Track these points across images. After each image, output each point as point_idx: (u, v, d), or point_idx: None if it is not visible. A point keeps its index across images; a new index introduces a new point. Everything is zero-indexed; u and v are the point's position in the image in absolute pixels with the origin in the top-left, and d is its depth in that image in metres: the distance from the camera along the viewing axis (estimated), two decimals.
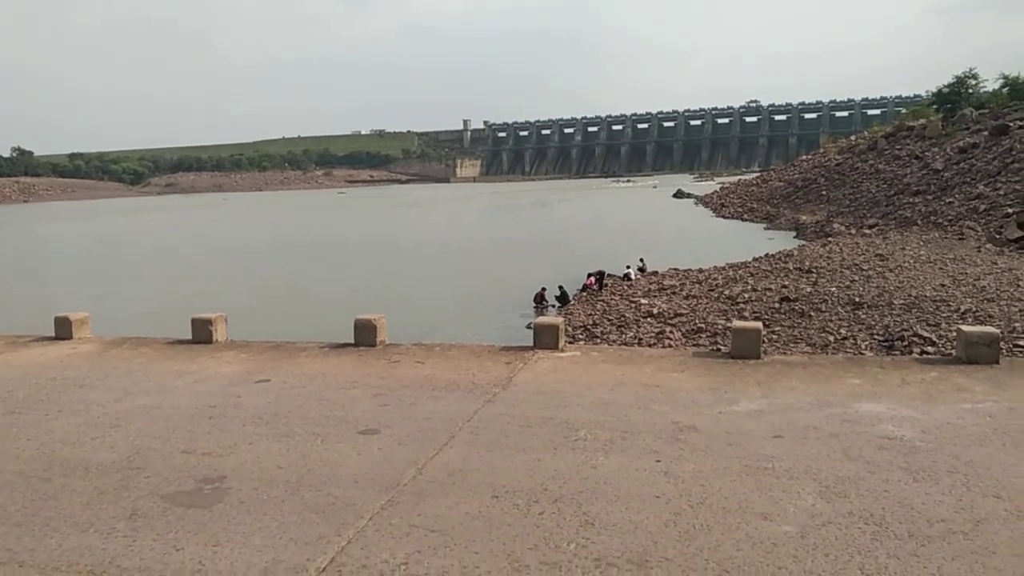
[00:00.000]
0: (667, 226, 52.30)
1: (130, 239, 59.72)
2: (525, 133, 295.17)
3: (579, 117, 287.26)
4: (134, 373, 8.13)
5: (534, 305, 24.28)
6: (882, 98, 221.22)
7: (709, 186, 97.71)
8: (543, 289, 24.84)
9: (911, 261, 23.90)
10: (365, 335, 8.99)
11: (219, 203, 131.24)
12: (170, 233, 64.58)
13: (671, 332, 18.39)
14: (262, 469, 5.30)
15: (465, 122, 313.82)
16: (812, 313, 18.27)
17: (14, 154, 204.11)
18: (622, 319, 20.49)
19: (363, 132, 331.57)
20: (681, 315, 20.10)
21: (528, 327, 21.39)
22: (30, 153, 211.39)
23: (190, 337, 9.56)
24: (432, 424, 6.14)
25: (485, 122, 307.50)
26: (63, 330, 10.01)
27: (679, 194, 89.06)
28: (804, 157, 72.78)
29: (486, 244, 46.75)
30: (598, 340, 18.34)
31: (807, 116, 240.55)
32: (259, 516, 4.56)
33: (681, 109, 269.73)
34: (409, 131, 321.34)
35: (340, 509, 4.62)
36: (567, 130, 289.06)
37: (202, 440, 5.96)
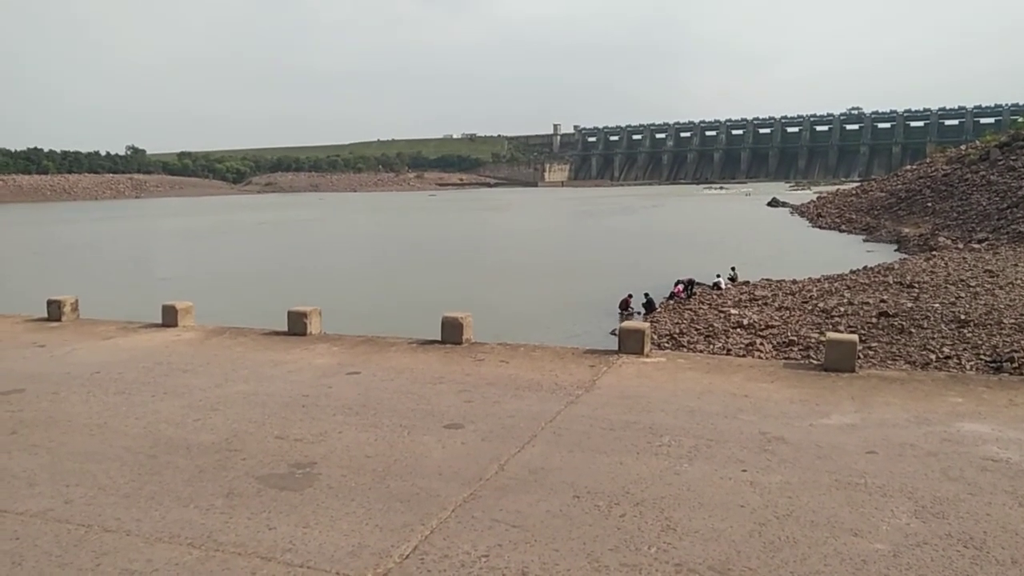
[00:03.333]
0: (760, 235, 50.98)
1: (232, 235, 62.42)
2: (615, 138, 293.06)
3: (671, 122, 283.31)
4: (233, 361, 8.51)
5: (619, 311, 24.09)
6: (996, 106, 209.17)
7: (806, 195, 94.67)
8: (629, 295, 24.62)
9: None
10: (452, 332, 9.14)
11: (315, 202, 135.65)
12: (270, 230, 67.18)
13: (761, 344, 17.94)
14: (351, 457, 5.47)
15: (555, 126, 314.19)
16: (912, 329, 17.47)
17: (128, 152, 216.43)
18: (710, 329, 20.11)
19: (454, 136, 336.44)
20: (772, 327, 19.58)
21: (613, 333, 21.27)
22: (143, 151, 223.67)
23: (286, 329, 9.93)
24: (515, 422, 6.19)
25: (575, 126, 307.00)
26: (169, 318, 10.58)
27: (774, 203, 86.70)
28: (908, 167, 69.54)
29: (572, 248, 46.71)
30: (684, 349, 18.05)
31: (913, 124, 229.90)
32: (347, 502, 4.71)
33: (778, 116, 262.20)
34: (499, 135, 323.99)
35: (424, 500, 4.73)
36: (659, 135, 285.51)
37: (295, 427, 6.19)
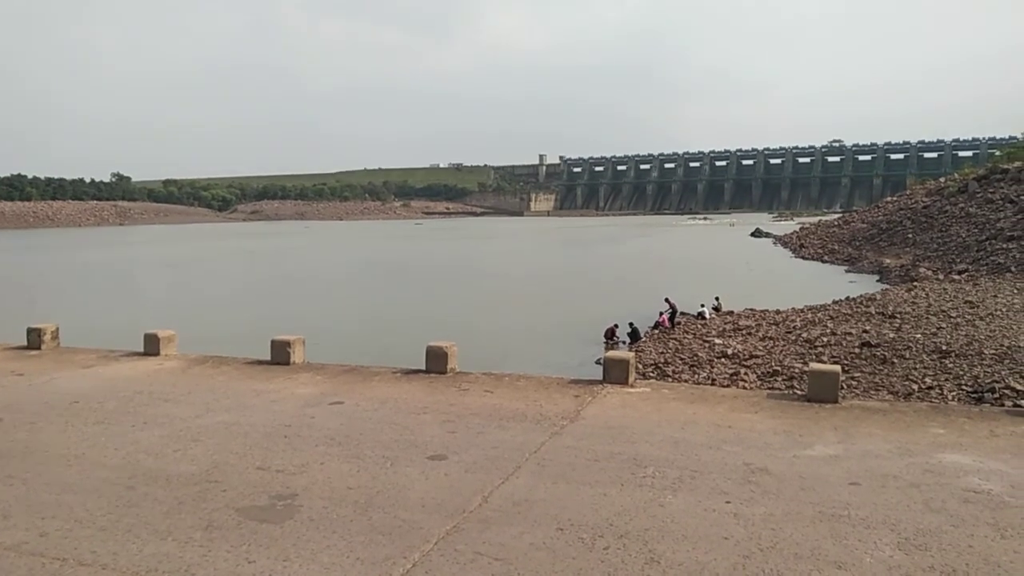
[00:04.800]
0: (744, 265, 51.34)
1: (216, 263, 62.12)
2: (600, 168, 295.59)
3: (655, 153, 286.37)
4: (215, 390, 8.43)
5: (604, 341, 24.10)
6: (974, 139, 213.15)
7: (788, 226, 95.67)
8: (614, 325, 24.67)
9: (1004, 309, 22.80)
10: (436, 362, 9.11)
11: (301, 231, 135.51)
12: (254, 258, 66.93)
13: (746, 374, 17.98)
14: (333, 488, 5.42)
15: (541, 156, 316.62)
16: (895, 360, 17.58)
17: (113, 179, 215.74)
18: (695, 358, 20.16)
19: (441, 165, 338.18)
20: (756, 357, 19.64)
21: (597, 362, 21.26)
22: (128, 179, 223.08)
23: (269, 358, 9.87)
24: (499, 453, 6.16)
25: (561, 157, 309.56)
26: (151, 346, 10.48)
27: (757, 233, 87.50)
28: (889, 199, 70.54)
29: (557, 277, 46.79)
30: (670, 379, 18.06)
31: (893, 156, 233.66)
32: (328, 534, 4.66)
33: (760, 147, 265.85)
34: (486, 165, 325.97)
35: (407, 532, 4.68)
36: (643, 166, 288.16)
37: (277, 458, 6.13)
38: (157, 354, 10.38)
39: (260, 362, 9.93)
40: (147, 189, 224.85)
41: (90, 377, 9.24)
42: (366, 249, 79.13)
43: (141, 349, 10.55)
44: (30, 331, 11.32)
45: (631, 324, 24.67)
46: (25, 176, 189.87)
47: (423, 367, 9.19)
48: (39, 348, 11.07)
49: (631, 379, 8.35)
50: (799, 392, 9.54)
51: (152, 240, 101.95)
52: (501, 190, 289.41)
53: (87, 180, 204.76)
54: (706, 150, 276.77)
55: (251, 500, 5.24)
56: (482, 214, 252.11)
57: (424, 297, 36.96)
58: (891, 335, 20.01)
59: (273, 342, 9.93)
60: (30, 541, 4.62)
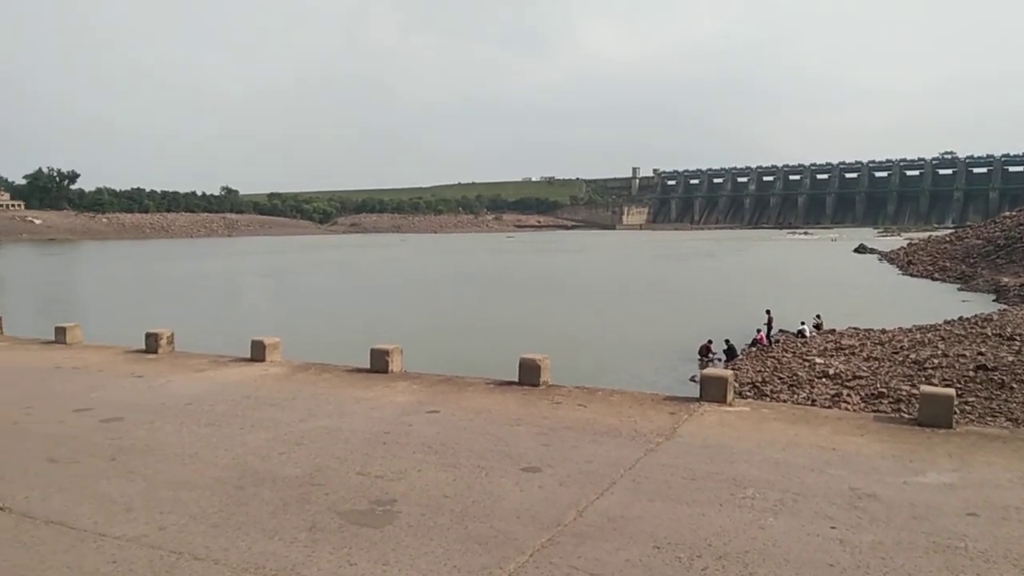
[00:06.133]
0: (847, 282, 49.37)
1: (317, 273, 64.35)
2: (696, 181, 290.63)
3: (754, 166, 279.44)
4: (318, 396, 8.73)
5: (699, 357, 23.64)
6: None
7: (895, 241, 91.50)
8: (709, 341, 24.15)
9: None
10: (529, 374, 9.15)
11: (397, 243, 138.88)
12: (353, 268, 69.00)
13: (848, 395, 17.26)
14: (430, 496, 5.52)
15: (634, 169, 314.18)
16: (1015, 385, 16.51)
17: (222, 192, 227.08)
18: (794, 378, 19.49)
19: (533, 179, 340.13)
20: (860, 378, 18.83)
21: (692, 379, 20.87)
22: (236, 192, 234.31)
23: (368, 366, 10.14)
24: (593, 468, 6.13)
25: (655, 170, 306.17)
26: (258, 352, 10.96)
27: (861, 249, 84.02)
28: (1008, 213, 66.36)
29: (649, 291, 46.20)
30: (767, 398, 17.53)
31: (1012, 169, 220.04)
32: (426, 541, 4.74)
33: (865, 160, 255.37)
34: (578, 178, 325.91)
35: (502, 542, 4.71)
36: (740, 179, 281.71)
37: (376, 463, 6.29)
38: (263, 360, 10.84)
39: (360, 370, 10.22)
40: (253, 202, 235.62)
41: (202, 381, 9.73)
42: (459, 261, 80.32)
43: (248, 355, 11.04)
44: (148, 336, 12.03)
45: (727, 341, 24.09)
46: (143, 190, 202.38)
47: (516, 379, 9.24)
48: (156, 352, 11.74)
49: (729, 397, 8.15)
50: (908, 416, 9.07)
51: (257, 251, 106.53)
52: (593, 203, 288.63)
53: (199, 193, 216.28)
54: (807, 162, 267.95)
55: (352, 504, 5.39)
56: (573, 227, 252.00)
57: (516, 309, 37.17)
58: (1010, 358, 18.80)
59: (372, 351, 10.20)
60: (150, 534, 4.90)
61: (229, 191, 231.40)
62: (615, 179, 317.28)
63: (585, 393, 8.70)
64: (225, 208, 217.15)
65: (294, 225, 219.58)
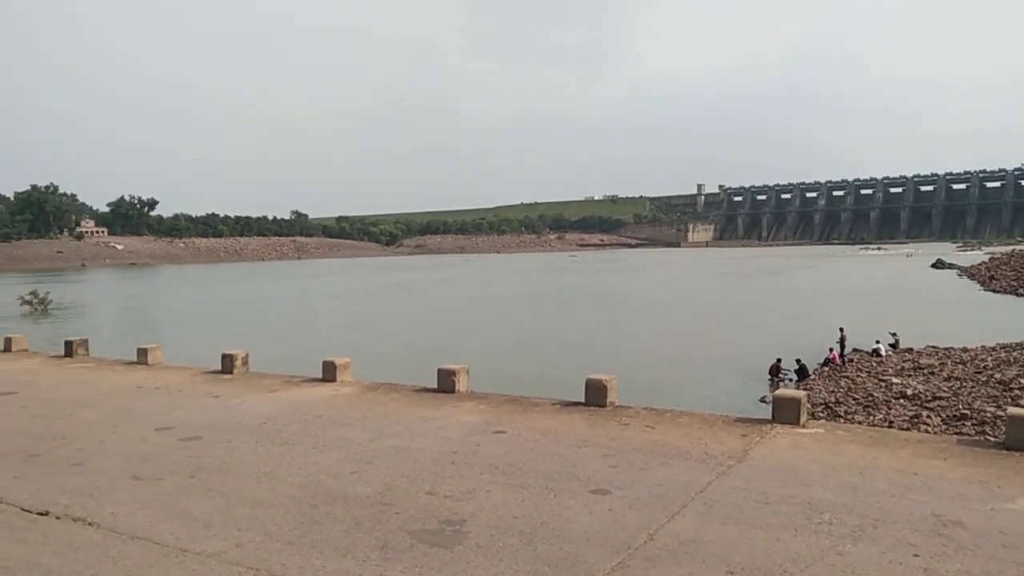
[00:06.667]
0: (924, 299, 47.63)
1: (385, 294, 65.43)
2: (763, 197, 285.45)
3: (823, 180, 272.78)
4: (387, 416, 8.87)
5: (769, 378, 23.10)
6: None
7: (976, 256, 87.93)
8: (778, 360, 23.59)
9: None
10: (596, 395, 9.10)
11: (461, 263, 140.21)
12: (419, 289, 69.93)
13: (928, 417, 16.62)
14: (498, 517, 5.53)
15: (699, 186, 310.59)
16: None
17: (292, 216, 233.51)
18: (870, 399, 18.87)
19: (596, 197, 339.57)
20: (940, 398, 18.10)
21: (762, 400, 20.39)
22: (305, 216, 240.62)
23: (435, 386, 10.25)
24: (663, 491, 6.05)
25: (720, 186, 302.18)
26: (329, 373, 11.19)
27: (939, 264, 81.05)
28: None
29: (715, 310, 45.41)
30: (840, 419, 17.00)
31: None
32: (496, 562, 4.75)
33: (942, 172, 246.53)
34: (641, 196, 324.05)
35: (572, 565, 4.69)
36: (809, 194, 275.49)
37: (445, 483, 6.34)
38: (334, 380, 11.07)
39: (427, 389, 10.33)
40: (322, 225, 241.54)
41: (276, 401, 10.00)
42: (522, 281, 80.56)
43: (320, 375, 11.29)
44: (224, 357, 12.42)
45: (798, 360, 23.49)
46: (217, 215, 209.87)
47: (582, 399, 9.20)
48: (231, 372, 12.11)
49: (803, 419, 7.94)
50: (994, 439, 8.67)
51: (325, 273, 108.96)
52: (657, 221, 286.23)
53: (270, 218, 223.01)
54: (879, 176, 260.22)
55: (422, 524, 5.44)
56: (637, 245, 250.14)
57: (580, 328, 37.03)
58: None
59: (439, 371, 10.31)
60: (228, 551, 5.05)
61: (299, 215, 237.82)
62: (679, 196, 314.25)
63: (653, 414, 8.60)
64: (295, 232, 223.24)
65: (361, 247, 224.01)
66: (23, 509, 6.02)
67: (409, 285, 76.08)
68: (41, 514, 5.90)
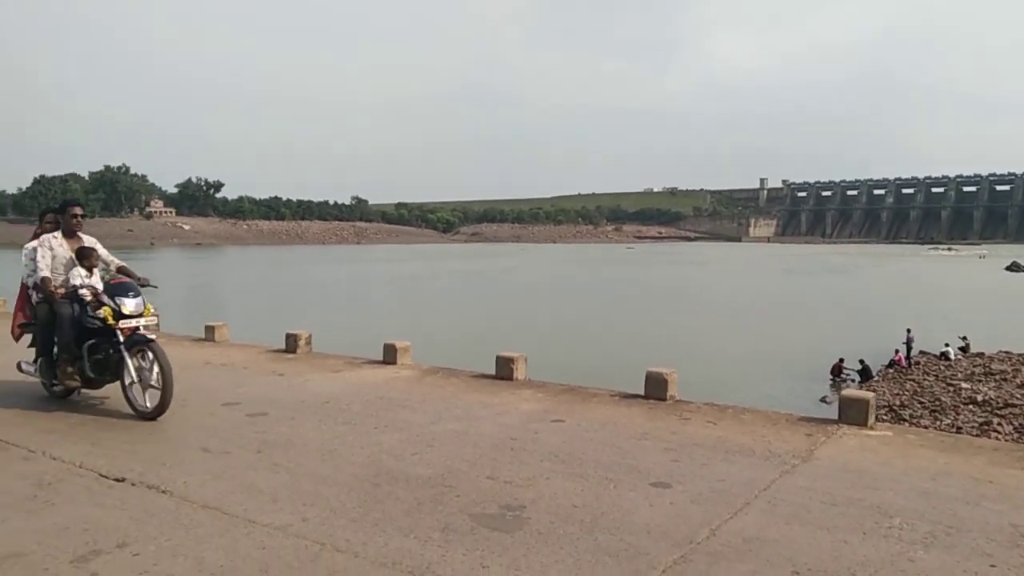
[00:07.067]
0: (997, 302, 45.84)
1: (441, 279, 66.02)
2: (828, 193, 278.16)
3: (891, 178, 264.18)
4: (446, 400, 8.95)
5: (831, 377, 22.61)
6: None
7: None
8: (841, 360, 23.06)
9: None
10: (655, 388, 9.02)
11: (517, 252, 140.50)
12: (475, 275, 70.36)
13: (999, 424, 16.03)
14: (558, 504, 5.53)
15: (762, 180, 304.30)
16: None
17: (353, 202, 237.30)
18: (937, 403, 18.30)
19: (655, 189, 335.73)
20: (1013, 405, 17.44)
21: (823, 400, 19.96)
22: (365, 202, 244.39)
23: (493, 372, 10.30)
24: (726, 487, 5.96)
25: (784, 181, 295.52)
26: (389, 355, 11.35)
27: (1014, 267, 77.92)
28: None
29: (776, 306, 44.52)
30: (906, 423, 16.52)
31: None
32: (556, 549, 4.76)
33: (1019, 171, 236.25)
34: (702, 189, 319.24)
35: (633, 556, 4.66)
36: (877, 191, 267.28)
37: (504, 469, 6.37)
38: (394, 363, 11.22)
39: (484, 376, 10.39)
40: (381, 211, 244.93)
41: (338, 381, 10.18)
42: (578, 271, 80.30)
43: (380, 357, 11.45)
44: (288, 336, 12.70)
45: (861, 361, 22.92)
46: (280, 198, 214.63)
47: (641, 392, 9.13)
48: (295, 352, 12.37)
49: (870, 421, 7.73)
50: None
51: (383, 258, 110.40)
52: (717, 214, 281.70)
53: (331, 203, 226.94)
54: (951, 174, 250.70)
55: (482, 508, 5.48)
56: (696, 239, 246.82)
57: (637, 320, 36.75)
58: None
59: (498, 358, 10.35)
60: (294, 524, 5.17)
61: (359, 201, 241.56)
62: (741, 190, 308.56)
63: (715, 410, 8.48)
64: (355, 217, 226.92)
65: (419, 234, 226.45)
66: (101, 475, 6.26)
67: (466, 272, 76.55)
68: (118, 480, 6.14)
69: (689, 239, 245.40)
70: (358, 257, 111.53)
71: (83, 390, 8.73)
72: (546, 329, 32.45)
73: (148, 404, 7.99)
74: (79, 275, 8.21)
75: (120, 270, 8.84)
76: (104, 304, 7.89)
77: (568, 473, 6.29)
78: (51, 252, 8.23)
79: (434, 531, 5.05)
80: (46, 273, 8.08)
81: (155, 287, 8.63)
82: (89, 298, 8.00)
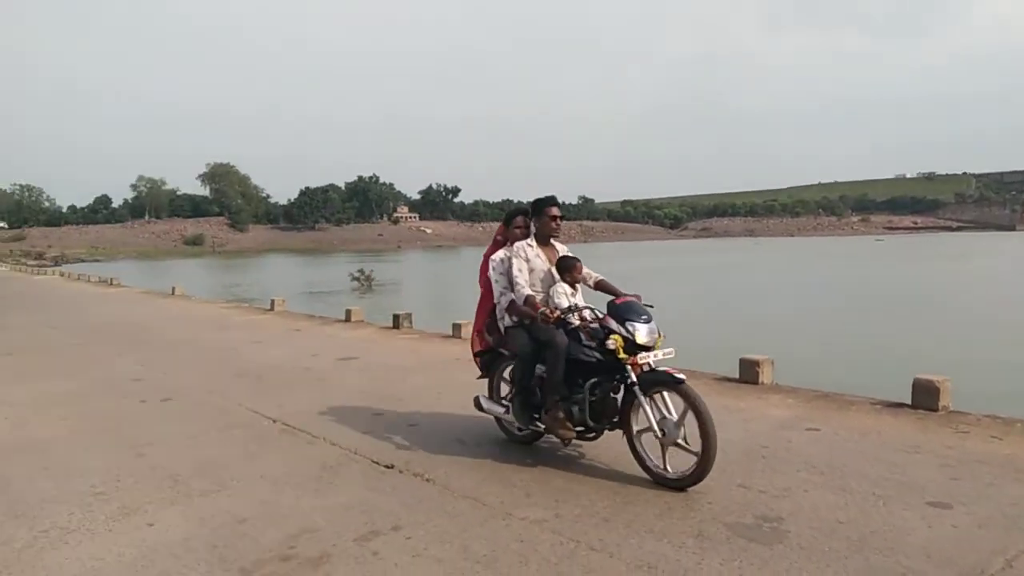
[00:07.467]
0: None
1: (669, 275, 65.01)
2: None
3: None
4: None
5: None
6: None
7: None
8: None
9: None
10: (925, 397, 8.20)
11: (751, 247, 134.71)
12: (705, 272, 68.43)
13: None
14: (820, 519, 5.21)
15: None
16: None
17: (579, 202, 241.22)
18: None
19: (908, 175, 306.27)
20: None
21: None
22: (591, 200, 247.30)
23: (737, 376, 9.94)
24: (1020, 511, 5.28)
25: None
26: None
27: None
28: None
29: None
30: None
31: None
32: (821, 566, 4.49)
33: None
34: (964, 172, 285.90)
35: None
36: None
37: (756, 477, 6.13)
38: None
39: (728, 379, 10.07)
40: (607, 210, 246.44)
41: None
42: (820, 267, 75.23)
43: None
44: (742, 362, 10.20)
45: None
46: (511, 201, 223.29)
47: (907, 401, 8.35)
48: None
49: None
50: None
51: (611, 255, 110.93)
52: (985, 200, 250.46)
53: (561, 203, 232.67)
54: None
55: (736, 517, 5.31)
56: (959, 229, 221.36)
57: (895, 324, 33.66)
58: None
59: (742, 360, 9.98)
60: (548, 520, 5.34)
61: (585, 200, 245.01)
62: (1013, 172, 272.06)
63: (999, 423, 7.54)
64: (582, 216, 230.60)
65: (645, 231, 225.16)
66: (373, 461, 6.89)
67: (697, 268, 74.75)
68: (387, 467, 6.72)
69: (951, 229, 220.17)
70: (585, 254, 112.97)
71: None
72: (790, 330, 30.71)
73: (668, 468, 6.00)
74: (563, 292, 6.54)
75: (598, 285, 6.80)
76: (609, 330, 6.04)
77: (829, 485, 5.91)
78: (527, 264, 6.67)
79: (688, 537, 4.97)
80: (528, 291, 6.48)
81: (650, 306, 6.36)
82: (576, 322, 6.36)
